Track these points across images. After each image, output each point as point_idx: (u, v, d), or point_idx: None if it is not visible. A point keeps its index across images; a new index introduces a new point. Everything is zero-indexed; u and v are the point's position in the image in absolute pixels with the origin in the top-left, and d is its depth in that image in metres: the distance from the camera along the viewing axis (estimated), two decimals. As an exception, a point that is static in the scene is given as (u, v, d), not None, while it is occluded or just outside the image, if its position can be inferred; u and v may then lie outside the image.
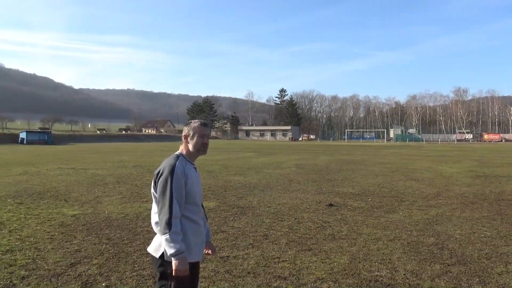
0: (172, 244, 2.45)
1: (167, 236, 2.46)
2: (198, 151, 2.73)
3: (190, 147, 2.73)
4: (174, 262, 2.46)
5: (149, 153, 31.33)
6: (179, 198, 2.54)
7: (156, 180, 2.60)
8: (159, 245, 2.58)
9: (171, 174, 2.54)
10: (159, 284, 2.58)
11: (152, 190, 2.66)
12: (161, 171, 2.60)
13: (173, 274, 2.46)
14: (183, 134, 2.76)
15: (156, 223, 2.59)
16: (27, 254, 5.08)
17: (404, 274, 4.50)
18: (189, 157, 2.74)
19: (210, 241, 3.02)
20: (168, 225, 2.47)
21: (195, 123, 2.76)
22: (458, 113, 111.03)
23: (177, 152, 2.74)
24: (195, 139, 2.71)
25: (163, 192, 2.53)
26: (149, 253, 2.70)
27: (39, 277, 4.31)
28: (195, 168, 2.77)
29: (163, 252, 2.55)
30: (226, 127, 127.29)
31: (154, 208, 2.63)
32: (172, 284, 2.51)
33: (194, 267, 2.65)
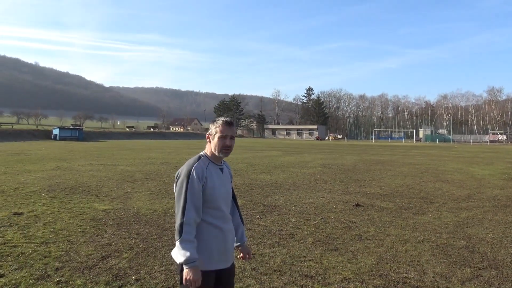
0: (182, 252, 2.33)
1: (177, 243, 2.36)
2: (219, 152, 2.52)
3: (212, 147, 2.54)
4: (184, 271, 2.33)
5: (176, 150, 31.76)
6: (196, 203, 2.41)
7: (175, 182, 2.50)
8: None
9: (187, 177, 2.42)
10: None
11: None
12: (179, 173, 2.49)
13: (183, 283, 2.33)
14: (207, 133, 2.60)
15: None
16: (60, 247, 5.26)
17: (433, 277, 4.42)
18: (213, 157, 2.57)
19: (245, 245, 2.89)
20: (179, 232, 2.36)
21: (218, 121, 2.55)
22: (492, 114, 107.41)
23: (201, 152, 2.60)
24: (216, 139, 2.51)
25: (178, 196, 2.43)
26: None
27: (72, 269, 4.46)
28: (221, 169, 2.60)
29: None
30: (252, 125, 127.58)
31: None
32: None
33: (220, 275, 2.53)
